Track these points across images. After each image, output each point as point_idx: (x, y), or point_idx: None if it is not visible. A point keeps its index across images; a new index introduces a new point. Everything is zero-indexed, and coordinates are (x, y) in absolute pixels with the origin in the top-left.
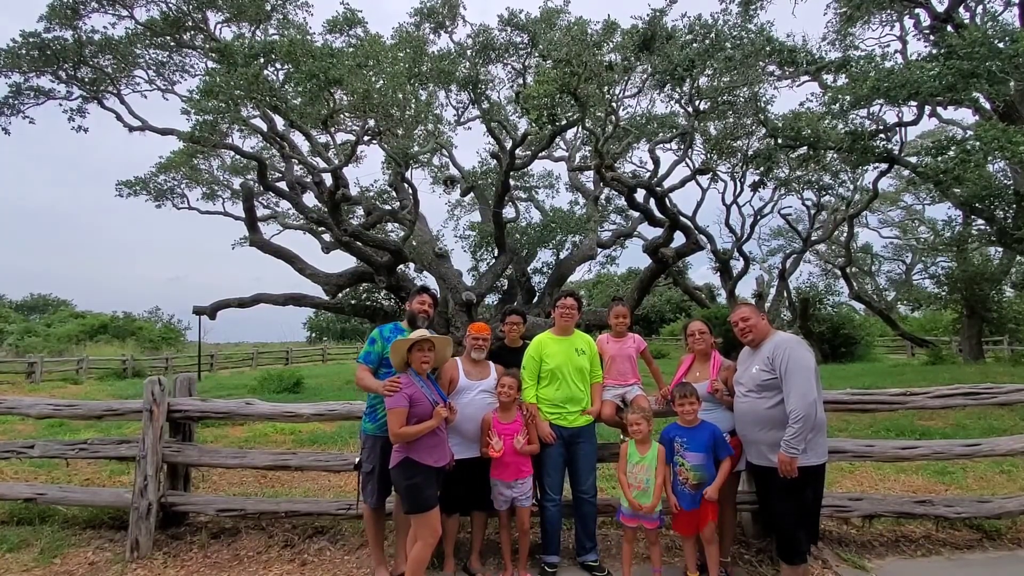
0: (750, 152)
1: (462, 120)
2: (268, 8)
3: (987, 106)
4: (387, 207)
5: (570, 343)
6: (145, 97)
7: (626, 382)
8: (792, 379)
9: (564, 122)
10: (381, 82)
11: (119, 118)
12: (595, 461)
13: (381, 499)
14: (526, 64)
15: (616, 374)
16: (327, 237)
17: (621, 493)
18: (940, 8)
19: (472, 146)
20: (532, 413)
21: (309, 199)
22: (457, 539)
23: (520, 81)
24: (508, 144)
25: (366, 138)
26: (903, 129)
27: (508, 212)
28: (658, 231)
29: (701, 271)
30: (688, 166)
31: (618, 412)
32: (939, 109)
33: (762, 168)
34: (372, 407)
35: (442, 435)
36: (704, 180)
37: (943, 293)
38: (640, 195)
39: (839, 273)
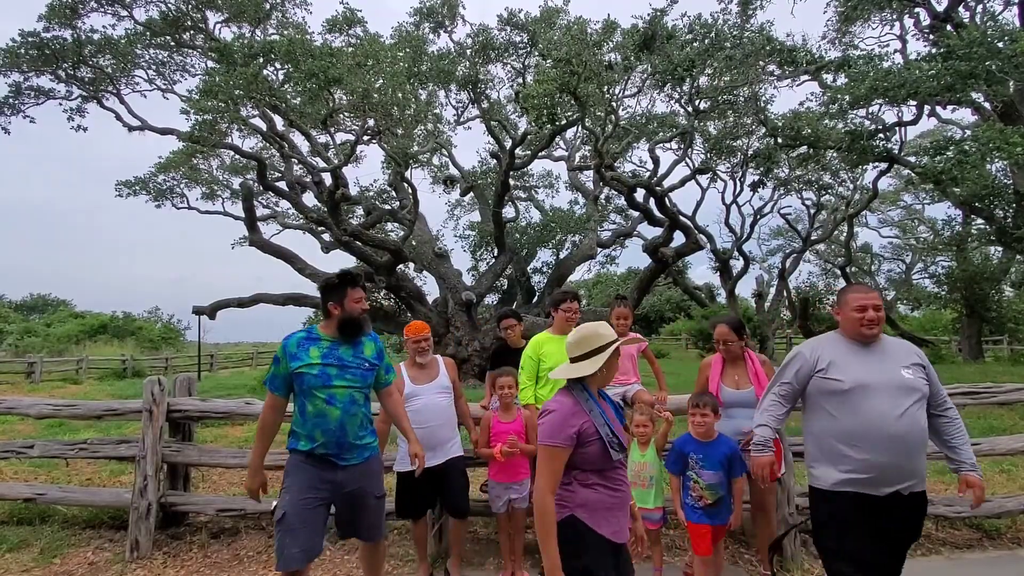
0: (750, 152)
1: (462, 120)
2: (267, 8)
3: (987, 106)
4: (387, 207)
5: None
6: (145, 97)
7: (627, 381)
8: (941, 387)
9: (564, 122)
10: (381, 81)
11: (119, 118)
12: None
13: (311, 556)
14: (526, 63)
15: (619, 374)
16: (327, 237)
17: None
18: (940, 7)
19: (472, 146)
20: (533, 416)
21: (309, 199)
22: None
23: (520, 80)
24: (508, 144)
25: (366, 138)
26: (903, 129)
27: (508, 212)
28: (658, 231)
29: (701, 270)
30: (688, 166)
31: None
32: (938, 109)
33: (762, 168)
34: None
35: (622, 495)
36: (704, 180)
37: (943, 292)
38: (640, 195)
39: (839, 273)
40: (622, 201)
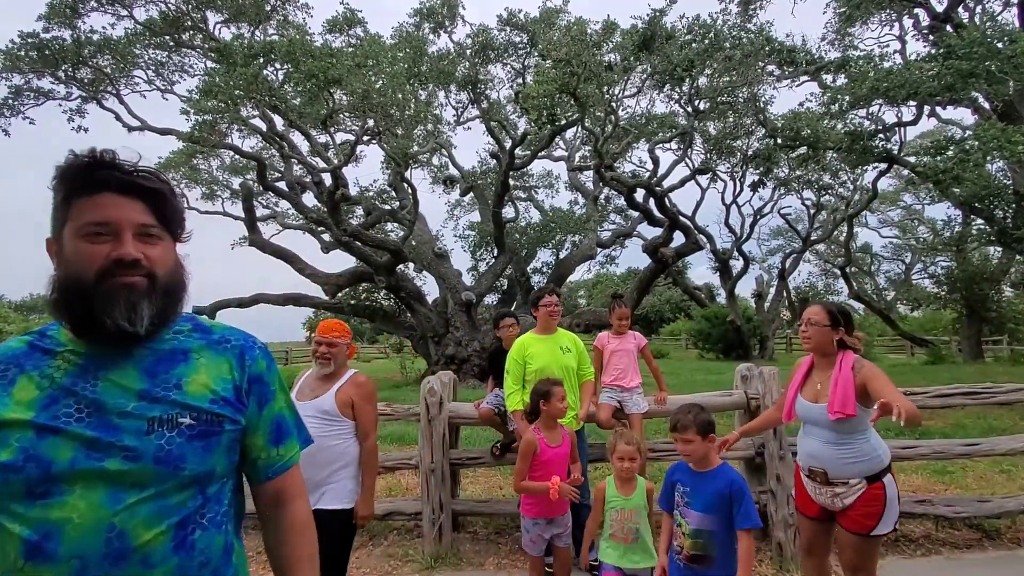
0: (750, 152)
1: (462, 120)
2: (268, 8)
3: (986, 106)
4: (386, 207)
5: (554, 341)
6: (144, 97)
7: (627, 382)
8: None
9: (564, 122)
10: (381, 82)
11: (118, 118)
12: (587, 463)
13: None
14: (525, 64)
15: (614, 369)
16: (327, 237)
17: (603, 537)
18: (939, 8)
19: (472, 146)
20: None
21: (309, 199)
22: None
23: (519, 81)
24: (508, 144)
25: (366, 138)
26: (902, 129)
27: (508, 212)
28: (658, 231)
29: (700, 271)
30: (688, 166)
31: (615, 415)
32: (938, 109)
33: (762, 168)
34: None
35: None
36: (704, 180)
37: (942, 293)
38: (640, 195)
39: (838, 273)
40: (622, 201)
